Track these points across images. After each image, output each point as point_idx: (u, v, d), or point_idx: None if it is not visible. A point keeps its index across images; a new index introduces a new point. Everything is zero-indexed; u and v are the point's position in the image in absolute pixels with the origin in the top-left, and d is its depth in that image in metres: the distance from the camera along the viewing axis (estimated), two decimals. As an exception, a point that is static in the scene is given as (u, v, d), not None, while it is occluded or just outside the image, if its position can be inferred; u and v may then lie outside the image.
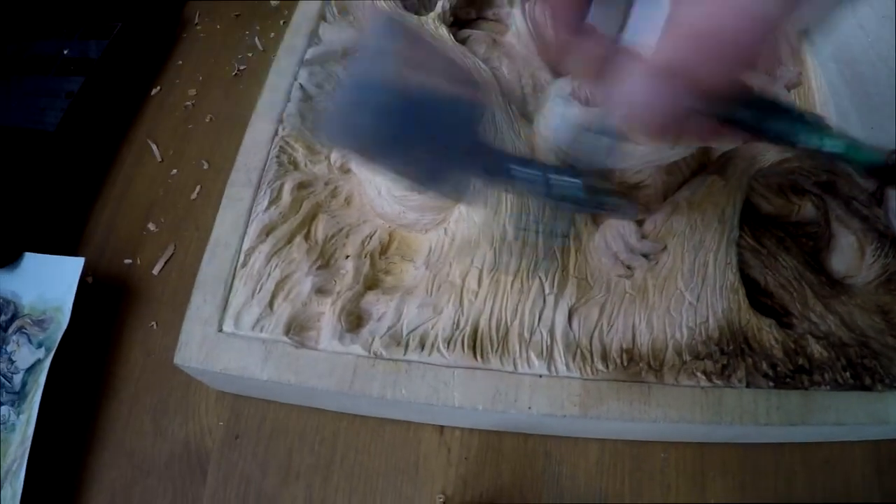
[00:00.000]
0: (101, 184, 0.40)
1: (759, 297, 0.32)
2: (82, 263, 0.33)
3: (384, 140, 0.21)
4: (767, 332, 0.30)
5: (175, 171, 0.40)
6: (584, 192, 0.22)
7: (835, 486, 0.32)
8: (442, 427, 0.32)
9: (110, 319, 0.35)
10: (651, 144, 0.29)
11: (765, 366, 0.30)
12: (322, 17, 0.40)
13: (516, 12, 0.39)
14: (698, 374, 0.29)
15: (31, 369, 0.32)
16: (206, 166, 0.40)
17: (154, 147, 0.41)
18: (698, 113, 0.18)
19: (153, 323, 0.35)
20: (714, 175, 0.33)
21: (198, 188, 0.40)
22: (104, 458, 0.32)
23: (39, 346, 0.32)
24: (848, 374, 0.30)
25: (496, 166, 0.22)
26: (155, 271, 0.37)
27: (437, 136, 0.21)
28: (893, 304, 0.33)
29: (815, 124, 0.19)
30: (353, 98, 0.21)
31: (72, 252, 0.36)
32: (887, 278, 0.33)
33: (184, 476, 0.31)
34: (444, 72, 0.23)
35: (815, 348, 0.30)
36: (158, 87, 0.44)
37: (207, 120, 0.42)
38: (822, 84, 0.38)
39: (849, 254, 0.34)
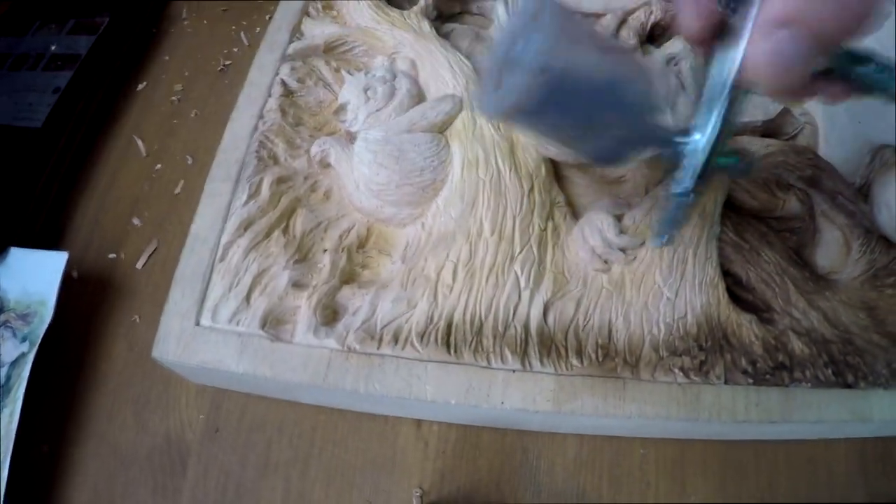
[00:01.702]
0: (87, 178, 0.40)
1: (740, 292, 0.32)
2: (66, 258, 0.34)
3: (562, 111, 0.21)
4: (747, 328, 0.30)
5: (160, 165, 0.41)
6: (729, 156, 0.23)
7: (818, 485, 0.31)
8: (419, 421, 0.32)
9: (94, 313, 0.36)
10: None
11: (744, 362, 0.29)
12: (305, 13, 0.40)
13: (499, 6, 0.39)
14: (675, 370, 0.29)
15: (14, 363, 0.32)
16: (190, 161, 0.41)
17: (139, 142, 0.42)
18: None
19: (136, 317, 0.35)
20: (696, 169, 0.32)
21: (181, 183, 0.40)
22: (87, 450, 0.32)
23: (23, 340, 0.33)
24: (830, 371, 0.30)
25: (665, 142, 0.23)
26: (138, 266, 0.37)
27: (615, 116, 0.22)
28: (879, 300, 0.32)
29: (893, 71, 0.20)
30: (533, 65, 0.20)
31: (56, 246, 0.37)
32: (873, 274, 0.33)
33: (165, 468, 0.31)
34: (611, 50, 0.24)
35: (797, 345, 0.30)
36: (145, 83, 0.44)
37: (192, 115, 0.43)
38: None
39: (834, 249, 0.33)
